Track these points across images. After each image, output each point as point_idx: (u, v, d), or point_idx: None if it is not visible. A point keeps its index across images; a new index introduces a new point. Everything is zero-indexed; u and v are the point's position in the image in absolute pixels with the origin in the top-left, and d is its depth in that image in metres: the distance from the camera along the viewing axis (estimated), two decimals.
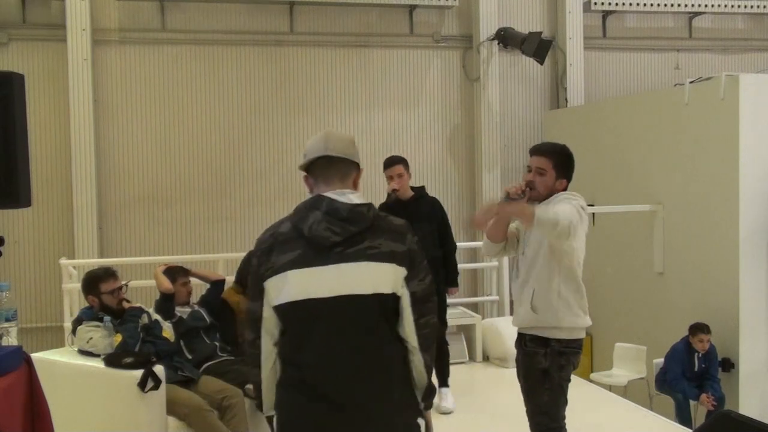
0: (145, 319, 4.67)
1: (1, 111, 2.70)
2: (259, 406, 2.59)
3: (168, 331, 4.83)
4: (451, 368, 5.66)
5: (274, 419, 2.53)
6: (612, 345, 7.89)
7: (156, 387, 4.25)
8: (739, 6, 10.36)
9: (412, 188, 5.52)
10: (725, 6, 10.29)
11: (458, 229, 9.24)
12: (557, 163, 3.68)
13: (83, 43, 8.58)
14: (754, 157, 7.07)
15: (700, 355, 6.94)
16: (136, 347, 4.48)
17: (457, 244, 5.87)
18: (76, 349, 4.57)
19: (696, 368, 6.95)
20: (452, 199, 9.69)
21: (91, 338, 4.51)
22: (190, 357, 4.89)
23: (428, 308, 2.52)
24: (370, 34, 9.61)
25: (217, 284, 5.47)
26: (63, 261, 6.91)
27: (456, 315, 7.02)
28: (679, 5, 10.14)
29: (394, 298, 2.45)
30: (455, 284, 5.72)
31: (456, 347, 6.70)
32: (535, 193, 3.64)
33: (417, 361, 2.51)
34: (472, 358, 6.93)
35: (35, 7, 8.74)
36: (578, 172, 3.80)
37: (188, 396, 4.48)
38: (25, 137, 2.80)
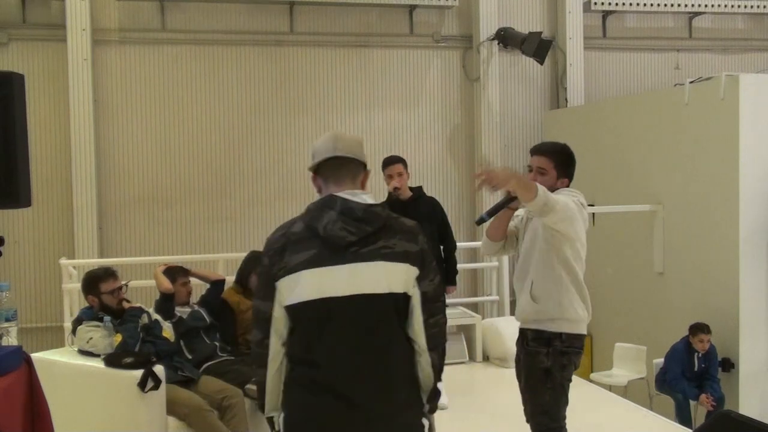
0: (145, 319, 4.67)
1: (1, 111, 2.70)
2: (262, 407, 2.58)
3: (168, 331, 4.84)
4: (451, 368, 5.67)
5: (279, 419, 2.52)
6: (612, 345, 7.89)
7: (156, 387, 4.25)
8: (739, 6, 10.35)
9: (411, 188, 5.53)
10: (725, 6, 10.29)
11: (458, 229, 9.26)
12: (558, 162, 3.68)
13: (83, 43, 8.58)
14: (754, 157, 7.07)
15: (700, 355, 6.94)
16: (136, 347, 4.48)
17: (458, 243, 5.88)
18: (76, 349, 4.57)
19: (696, 368, 6.95)
20: (452, 199, 9.69)
21: (91, 338, 4.51)
22: (190, 357, 4.90)
23: (437, 308, 2.57)
24: (370, 34, 9.61)
25: (217, 284, 5.48)
26: (63, 261, 6.91)
27: (456, 315, 7.02)
28: (679, 5, 10.14)
29: (405, 298, 2.49)
30: (453, 283, 5.74)
31: (456, 347, 6.70)
32: None
33: (424, 362, 2.54)
34: (472, 358, 6.93)
35: (35, 7, 8.74)
36: (578, 172, 3.80)
37: (188, 396, 4.48)
38: (25, 137, 2.80)
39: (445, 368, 2.74)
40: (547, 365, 3.57)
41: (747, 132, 7.03)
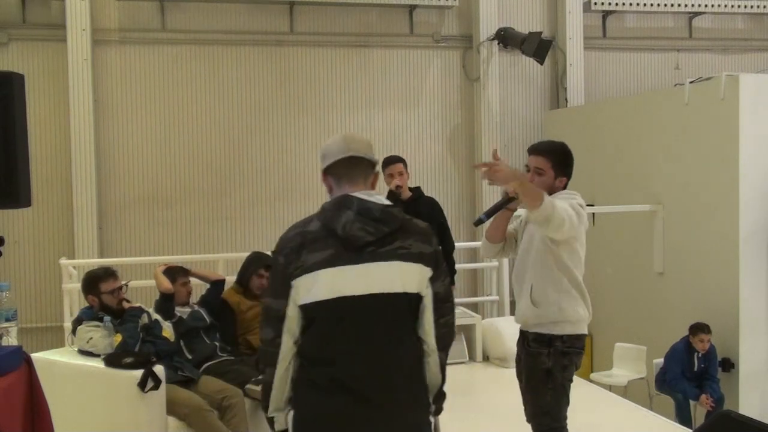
0: (145, 319, 4.67)
1: (1, 111, 2.71)
2: (265, 407, 2.57)
3: (168, 331, 4.83)
4: (452, 368, 5.58)
5: (287, 418, 2.52)
6: (612, 345, 7.89)
7: (156, 387, 4.25)
8: (739, 6, 10.35)
9: (410, 188, 5.53)
10: (725, 6, 10.29)
11: (458, 229, 9.27)
12: (555, 161, 3.66)
13: (83, 43, 8.58)
14: (754, 157, 7.07)
15: (700, 355, 6.94)
16: (136, 347, 4.48)
17: (458, 244, 5.88)
18: (76, 349, 4.57)
19: (695, 368, 6.95)
20: (452, 199, 9.70)
21: (91, 338, 4.51)
22: (190, 357, 4.89)
23: (448, 308, 2.63)
24: (370, 34, 9.61)
25: (217, 284, 5.47)
26: (63, 261, 6.91)
27: (456, 315, 7.00)
28: (679, 5, 10.14)
29: (417, 298, 2.53)
30: (452, 283, 5.73)
31: (456, 347, 6.69)
32: None
33: (432, 362, 2.59)
34: (472, 358, 6.93)
35: (35, 7, 8.74)
36: (578, 172, 3.80)
37: (188, 396, 4.48)
38: (25, 137, 2.80)
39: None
40: (549, 366, 3.57)
41: (747, 132, 7.03)
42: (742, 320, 7.07)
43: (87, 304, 4.81)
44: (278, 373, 2.51)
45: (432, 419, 2.60)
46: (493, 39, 9.70)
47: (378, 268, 2.46)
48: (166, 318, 4.93)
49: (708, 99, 7.42)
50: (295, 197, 9.21)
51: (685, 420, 6.71)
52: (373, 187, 2.60)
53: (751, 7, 10.44)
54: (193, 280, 5.43)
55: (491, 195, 9.39)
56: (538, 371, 3.60)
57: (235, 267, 5.70)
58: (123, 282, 4.84)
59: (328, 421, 2.45)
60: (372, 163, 2.60)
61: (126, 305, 4.71)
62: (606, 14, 10.28)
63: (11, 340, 3.02)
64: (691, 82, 7.71)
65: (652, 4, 10.05)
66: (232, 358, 5.04)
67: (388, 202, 2.56)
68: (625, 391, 7.14)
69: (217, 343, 5.07)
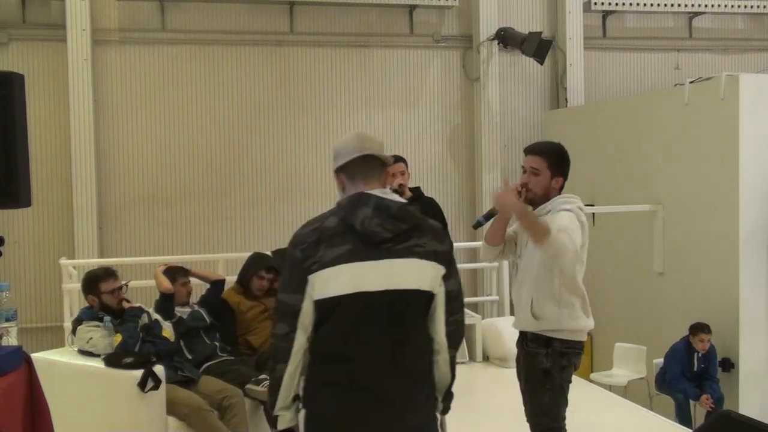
0: (145, 319, 4.68)
1: (1, 111, 2.71)
2: (272, 405, 2.56)
3: (168, 331, 4.84)
4: None
5: (300, 416, 2.52)
6: (612, 345, 7.89)
7: (156, 387, 4.25)
8: (739, 6, 10.35)
9: (410, 189, 5.53)
10: (725, 6, 10.28)
11: (458, 229, 9.27)
12: (551, 162, 3.67)
13: (83, 43, 8.58)
14: (754, 157, 7.07)
15: (700, 355, 6.94)
16: (136, 347, 4.49)
17: (458, 244, 5.87)
18: (76, 349, 4.58)
19: (695, 368, 6.95)
20: (452, 199, 9.70)
21: (91, 338, 4.52)
22: (190, 357, 4.90)
23: (458, 306, 2.65)
24: (370, 34, 9.61)
25: (217, 284, 5.48)
26: (63, 261, 6.91)
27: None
28: (679, 5, 10.14)
29: (429, 296, 2.56)
30: None
31: None
32: (531, 194, 3.64)
33: (442, 360, 2.61)
34: (472, 358, 6.93)
35: (35, 7, 8.74)
36: (578, 172, 3.80)
37: (188, 396, 4.48)
38: (25, 137, 2.80)
39: None
40: (547, 366, 3.57)
41: (747, 132, 7.03)
42: (742, 320, 7.07)
43: (87, 304, 4.81)
44: (289, 370, 2.49)
45: (439, 417, 2.62)
46: (493, 39, 9.70)
47: (396, 264, 2.49)
48: (166, 318, 4.93)
49: (708, 99, 7.42)
50: (295, 197, 9.21)
51: (685, 420, 6.71)
52: (384, 185, 2.63)
53: (751, 7, 10.44)
54: (193, 280, 5.43)
55: (491, 195, 9.40)
56: (536, 371, 3.60)
57: (235, 267, 5.70)
58: (123, 282, 4.84)
59: (345, 419, 2.45)
60: (384, 162, 2.63)
61: (126, 305, 4.71)
62: (606, 14, 10.28)
63: (11, 340, 3.03)
64: (691, 82, 7.71)
65: (652, 4, 10.04)
66: (232, 358, 5.04)
67: (404, 200, 2.59)
68: (625, 391, 7.14)
69: (217, 343, 5.07)
